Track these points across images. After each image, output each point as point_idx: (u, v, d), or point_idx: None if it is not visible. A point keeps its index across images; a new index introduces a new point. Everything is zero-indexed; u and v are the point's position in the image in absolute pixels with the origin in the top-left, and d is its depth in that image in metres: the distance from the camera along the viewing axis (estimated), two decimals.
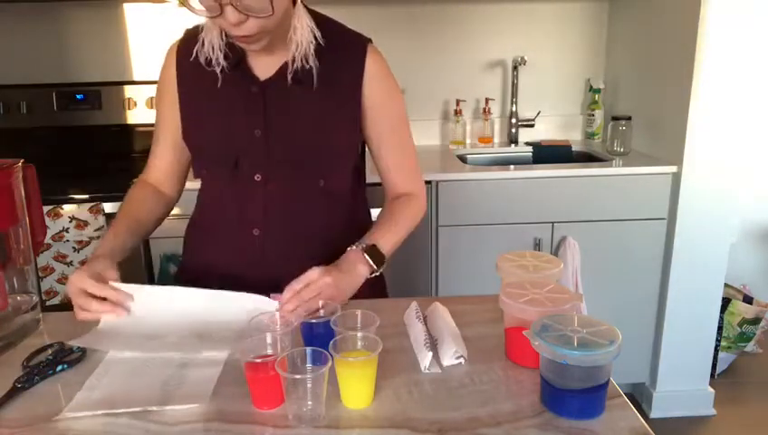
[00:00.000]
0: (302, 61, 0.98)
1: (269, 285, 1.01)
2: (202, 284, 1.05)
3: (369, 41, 1.05)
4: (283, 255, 1.03)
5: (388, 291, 1.23)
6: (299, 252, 1.04)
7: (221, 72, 1.00)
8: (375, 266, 0.99)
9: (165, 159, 1.12)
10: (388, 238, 1.03)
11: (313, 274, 0.90)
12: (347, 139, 1.05)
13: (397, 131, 1.09)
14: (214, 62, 0.99)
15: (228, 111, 1.01)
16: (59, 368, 0.81)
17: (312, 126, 1.01)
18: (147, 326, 0.90)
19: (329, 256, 1.03)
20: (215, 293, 0.93)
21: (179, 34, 1.09)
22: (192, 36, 1.04)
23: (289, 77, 0.99)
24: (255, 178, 1.01)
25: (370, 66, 1.03)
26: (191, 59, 1.01)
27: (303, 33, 0.97)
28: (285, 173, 1.02)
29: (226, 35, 0.99)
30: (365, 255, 0.98)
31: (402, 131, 1.10)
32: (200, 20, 1.02)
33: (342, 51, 1.02)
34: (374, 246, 1.00)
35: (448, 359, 0.81)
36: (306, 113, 1.01)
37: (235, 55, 1.00)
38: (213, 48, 0.99)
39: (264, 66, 1.01)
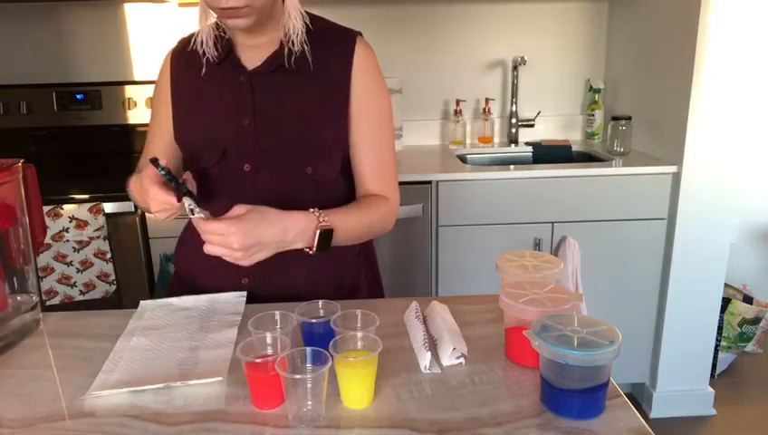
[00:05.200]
0: (292, 46, 1.00)
1: (256, 283, 1.03)
2: (192, 286, 1.06)
3: (359, 34, 1.05)
4: None
5: (384, 292, 1.23)
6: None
7: (211, 62, 1.02)
8: (320, 228, 0.91)
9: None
10: (343, 216, 0.97)
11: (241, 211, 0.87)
12: (334, 128, 1.04)
13: (378, 128, 1.05)
14: (204, 50, 1.02)
15: (216, 103, 1.03)
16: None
17: (300, 114, 1.02)
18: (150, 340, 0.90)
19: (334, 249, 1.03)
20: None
21: (179, 34, 1.10)
22: (186, 43, 1.07)
23: (287, 62, 1.00)
24: (244, 168, 1.02)
25: (360, 59, 1.03)
26: (189, 48, 1.04)
27: (297, 19, 0.99)
28: (274, 162, 1.02)
29: (217, 27, 1.02)
30: (318, 215, 0.93)
31: (384, 129, 1.06)
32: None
33: (332, 41, 1.03)
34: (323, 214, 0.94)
35: (447, 358, 0.81)
36: (294, 102, 1.02)
37: (225, 48, 1.02)
38: (204, 40, 1.02)
39: (252, 57, 1.02)
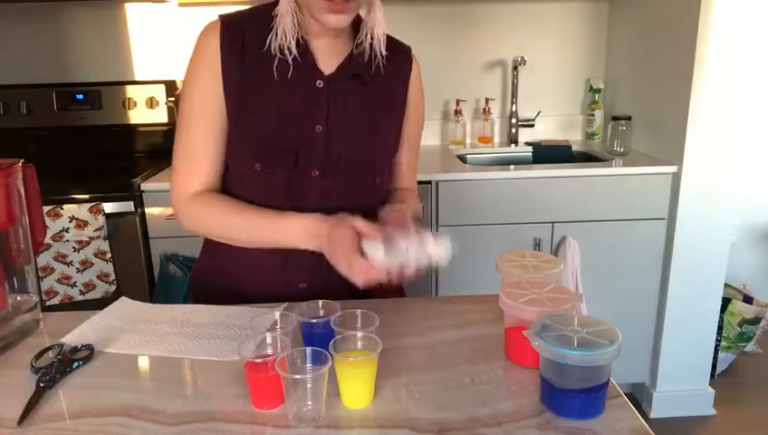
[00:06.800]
0: (374, 55, 1.00)
1: (313, 287, 1.02)
2: (238, 292, 1.04)
3: (410, 48, 1.10)
4: None
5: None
6: None
7: (283, 59, 0.95)
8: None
9: (215, 155, 1.01)
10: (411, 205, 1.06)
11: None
12: (394, 138, 1.08)
13: (417, 133, 1.15)
14: (286, 49, 0.95)
15: (288, 103, 0.98)
16: (75, 365, 0.82)
17: (369, 124, 1.02)
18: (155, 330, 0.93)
19: None
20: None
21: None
22: (232, 22, 0.98)
23: (366, 71, 1.00)
24: (313, 173, 0.99)
25: (415, 72, 1.08)
26: (263, 49, 0.96)
27: (383, 27, 0.99)
28: (344, 170, 1.01)
29: (299, 24, 0.96)
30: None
31: (420, 134, 1.16)
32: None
33: (392, 55, 1.04)
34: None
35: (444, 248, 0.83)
36: (363, 111, 1.02)
37: (301, 46, 0.97)
38: (286, 35, 0.94)
39: (325, 61, 0.99)
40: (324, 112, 0.99)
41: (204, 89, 0.98)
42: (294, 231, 0.94)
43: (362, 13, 0.99)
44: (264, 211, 0.97)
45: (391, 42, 1.06)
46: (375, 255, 0.83)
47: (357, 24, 1.01)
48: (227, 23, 0.98)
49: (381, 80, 1.03)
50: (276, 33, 0.95)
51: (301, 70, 0.97)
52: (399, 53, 1.07)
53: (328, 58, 1.00)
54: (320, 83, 0.98)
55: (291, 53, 0.95)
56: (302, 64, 0.97)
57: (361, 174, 1.03)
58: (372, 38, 0.99)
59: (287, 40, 0.94)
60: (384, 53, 1.01)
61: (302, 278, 1.03)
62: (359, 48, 1.00)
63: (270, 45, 0.95)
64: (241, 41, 0.96)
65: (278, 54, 0.95)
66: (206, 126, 0.99)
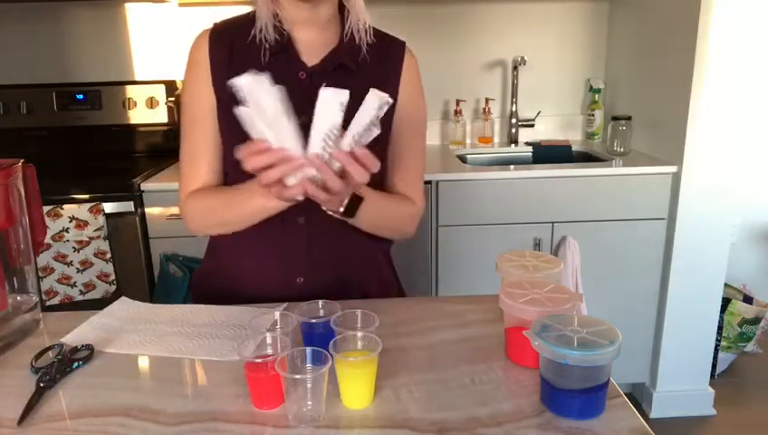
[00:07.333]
0: (359, 42, 0.99)
1: (310, 282, 1.01)
2: (237, 291, 1.04)
3: (404, 42, 1.08)
4: (326, 244, 1.03)
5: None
6: (342, 242, 1.04)
7: (270, 51, 0.97)
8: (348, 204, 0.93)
9: (213, 157, 1.02)
10: (375, 194, 0.98)
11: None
12: (385, 133, 1.04)
13: (412, 134, 1.08)
14: (264, 36, 0.96)
15: None
16: (75, 365, 0.82)
17: None
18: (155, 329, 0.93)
19: (371, 242, 1.04)
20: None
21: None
22: (226, 28, 1.01)
23: (348, 61, 0.98)
24: None
25: (408, 66, 1.05)
26: (251, 48, 0.98)
27: (365, 15, 0.99)
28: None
29: (276, 17, 0.98)
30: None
31: (418, 136, 1.10)
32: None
33: (384, 46, 1.04)
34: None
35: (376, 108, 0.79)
36: (350, 102, 1.01)
37: (283, 38, 0.98)
38: (264, 27, 0.96)
39: (310, 52, 0.99)
40: (309, 105, 0.99)
41: (198, 94, 1.00)
42: (258, 190, 0.91)
43: (348, 5, 1.00)
44: (241, 185, 0.96)
45: (384, 36, 1.05)
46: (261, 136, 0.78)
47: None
48: (216, 29, 1.01)
49: (371, 71, 1.01)
50: (255, 25, 0.97)
51: (284, 63, 0.98)
52: (392, 47, 1.06)
53: (313, 51, 1.00)
54: (302, 75, 0.99)
55: (268, 40, 0.96)
56: (286, 57, 0.98)
57: None
58: (358, 28, 0.99)
59: (264, 31, 0.96)
60: (370, 41, 1.00)
61: (300, 273, 1.03)
62: (345, 39, 1.00)
63: (255, 39, 0.97)
64: (229, 45, 0.99)
65: (264, 44, 0.97)
66: (203, 130, 1.01)
